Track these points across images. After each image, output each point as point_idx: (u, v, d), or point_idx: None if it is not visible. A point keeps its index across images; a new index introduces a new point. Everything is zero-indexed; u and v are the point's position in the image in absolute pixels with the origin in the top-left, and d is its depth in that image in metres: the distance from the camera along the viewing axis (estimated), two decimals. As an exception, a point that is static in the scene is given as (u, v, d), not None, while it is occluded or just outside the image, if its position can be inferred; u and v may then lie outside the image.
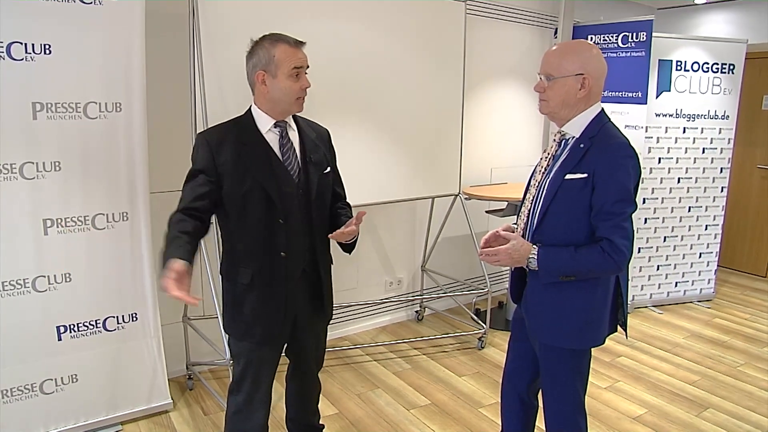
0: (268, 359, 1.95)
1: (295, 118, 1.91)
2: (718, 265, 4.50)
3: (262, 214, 1.79)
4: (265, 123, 1.81)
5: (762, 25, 4.60)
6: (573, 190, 1.63)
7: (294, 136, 1.87)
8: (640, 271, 4.22)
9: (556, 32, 4.34)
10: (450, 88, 3.42)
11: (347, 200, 2.10)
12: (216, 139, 1.78)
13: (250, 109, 1.85)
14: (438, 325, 3.91)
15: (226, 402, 2.01)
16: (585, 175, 1.61)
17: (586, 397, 1.82)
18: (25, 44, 2.17)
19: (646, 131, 3.98)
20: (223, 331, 2.09)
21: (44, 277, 2.35)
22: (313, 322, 2.03)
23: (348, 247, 1.95)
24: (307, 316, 1.98)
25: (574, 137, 1.69)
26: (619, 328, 1.84)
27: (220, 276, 1.96)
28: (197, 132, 2.49)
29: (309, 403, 2.24)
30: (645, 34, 3.84)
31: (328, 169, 1.94)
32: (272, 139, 1.82)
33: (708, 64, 4.11)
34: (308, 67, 1.81)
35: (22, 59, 2.18)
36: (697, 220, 4.30)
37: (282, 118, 1.83)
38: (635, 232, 1.61)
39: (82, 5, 2.27)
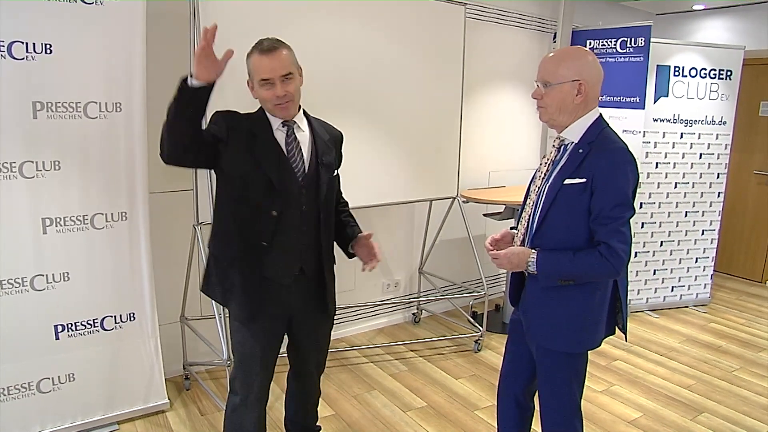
0: (258, 354, 1.90)
1: (308, 118, 1.92)
2: (714, 270, 4.52)
3: (259, 201, 1.79)
4: (274, 121, 1.83)
5: (760, 31, 4.63)
6: (572, 195, 1.64)
7: (303, 137, 1.87)
8: (637, 275, 4.24)
9: (555, 37, 4.36)
10: (449, 91, 3.43)
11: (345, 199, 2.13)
12: (232, 119, 1.80)
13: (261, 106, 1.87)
14: (435, 328, 3.92)
15: (224, 402, 2.02)
16: (584, 180, 1.63)
17: (582, 400, 1.83)
18: (26, 43, 2.18)
19: (644, 136, 4.00)
20: (215, 302, 2.08)
21: (42, 276, 2.35)
22: (318, 324, 2.03)
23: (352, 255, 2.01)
24: (309, 317, 1.98)
25: (573, 142, 1.70)
26: (618, 331, 1.85)
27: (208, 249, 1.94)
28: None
29: (307, 406, 2.25)
30: (643, 39, 3.86)
31: (336, 171, 1.96)
32: (280, 137, 1.84)
33: (706, 69, 4.13)
34: (289, 74, 1.76)
35: (23, 58, 2.18)
36: (694, 224, 4.32)
37: (286, 119, 1.84)
38: (633, 236, 1.62)
39: (83, 5, 2.27)
